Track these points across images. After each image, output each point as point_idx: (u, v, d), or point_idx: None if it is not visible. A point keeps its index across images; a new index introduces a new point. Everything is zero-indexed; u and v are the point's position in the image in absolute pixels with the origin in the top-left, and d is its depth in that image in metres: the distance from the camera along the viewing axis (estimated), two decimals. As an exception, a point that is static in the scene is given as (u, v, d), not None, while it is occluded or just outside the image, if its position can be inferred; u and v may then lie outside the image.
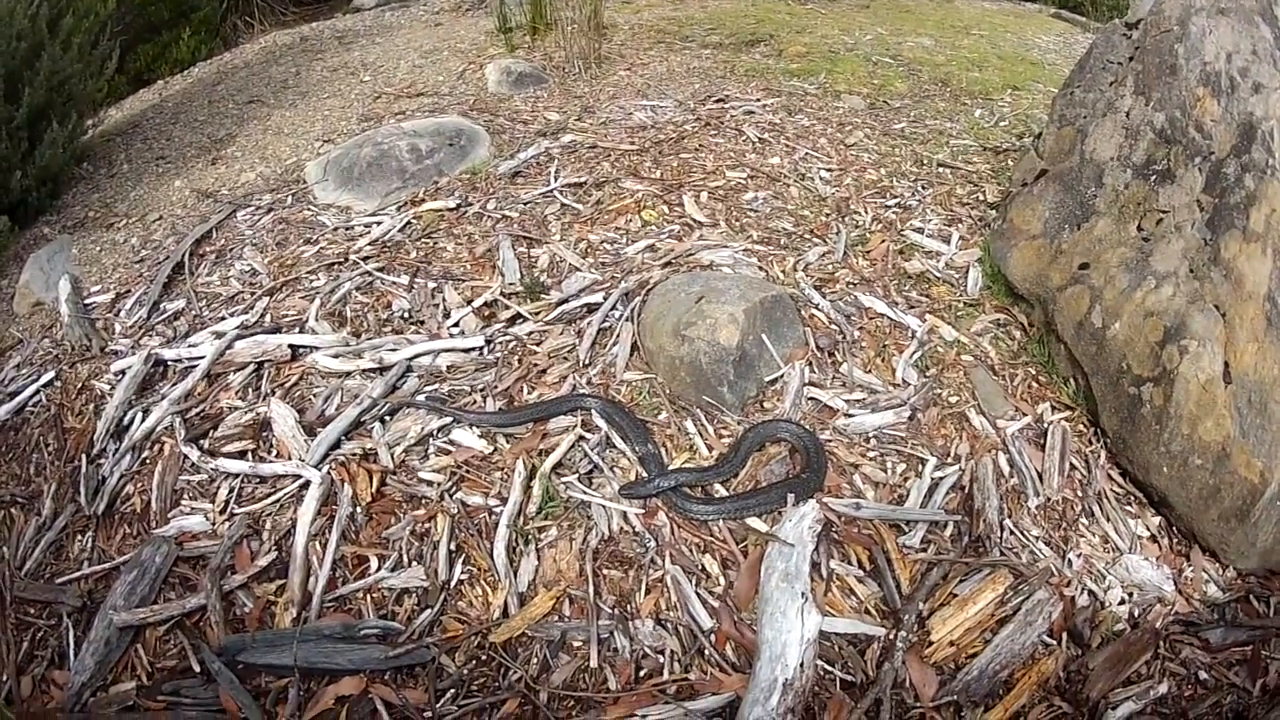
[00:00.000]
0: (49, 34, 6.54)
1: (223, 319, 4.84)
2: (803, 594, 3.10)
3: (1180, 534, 3.68)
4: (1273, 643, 3.32)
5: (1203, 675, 3.24)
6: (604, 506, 3.61)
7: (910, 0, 11.85)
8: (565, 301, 4.66)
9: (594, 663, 3.12)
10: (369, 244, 5.33)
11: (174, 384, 4.42)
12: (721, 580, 3.37)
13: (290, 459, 3.89)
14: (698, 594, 3.31)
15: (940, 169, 6.11)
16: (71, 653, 3.36)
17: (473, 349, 4.41)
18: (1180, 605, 3.43)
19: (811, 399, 4.09)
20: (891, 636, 3.16)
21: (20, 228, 6.24)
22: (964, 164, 6.18)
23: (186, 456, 4.00)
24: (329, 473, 3.77)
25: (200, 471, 3.95)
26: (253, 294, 5.02)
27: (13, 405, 4.55)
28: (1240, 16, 4.17)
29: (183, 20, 10.79)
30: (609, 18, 9.40)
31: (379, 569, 3.47)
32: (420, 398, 4.14)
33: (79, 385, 4.59)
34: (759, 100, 7.21)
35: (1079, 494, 3.80)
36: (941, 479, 3.76)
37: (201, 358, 4.48)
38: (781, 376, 4.16)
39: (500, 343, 4.46)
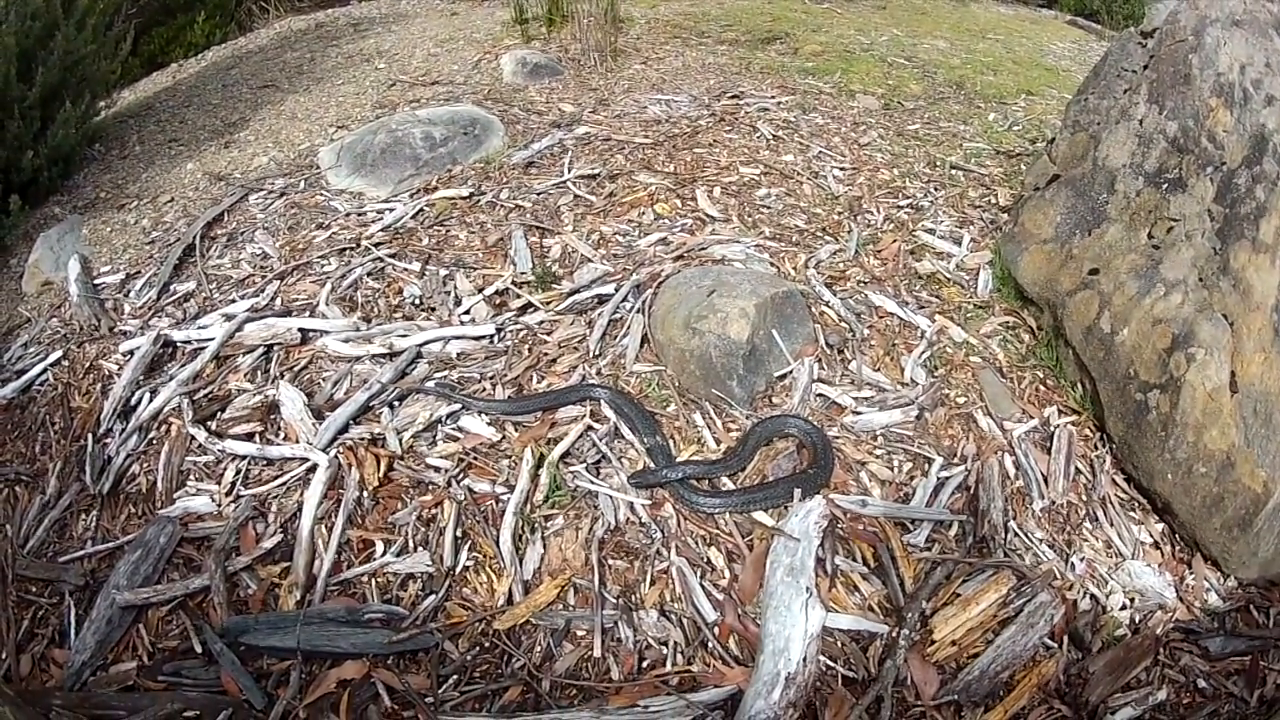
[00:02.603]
0: (64, 14, 6.56)
1: (233, 301, 4.85)
2: (807, 589, 3.11)
3: (1183, 541, 3.68)
4: (1271, 654, 3.31)
5: (1201, 683, 3.24)
6: (611, 497, 3.61)
7: (927, 3, 11.86)
8: (576, 292, 4.67)
9: (597, 652, 3.13)
10: (381, 230, 5.34)
11: (182, 365, 4.43)
12: (726, 573, 3.38)
13: (298, 442, 3.90)
14: (702, 586, 3.31)
15: (953, 171, 6.12)
16: (72, 631, 3.37)
17: (483, 337, 4.42)
18: (1181, 612, 3.43)
19: (820, 395, 4.10)
20: (894, 634, 3.16)
21: (31, 207, 6.24)
22: (977, 167, 6.19)
23: (193, 437, 4.00)
24: (336, 456, 3.78)
25: (207, 453, 3.96)
26: (263, 277, 5.03)
27: (20, 383, 4.56)
28: (1255, 29, 4.17)
29: (198, 3, 10.80)
30: (625, 11, 9.42)
31: (384, 554, 3.47)
32: (429, 384, 4.16)
33: (86, 365, 4.60)
34: (774, 97, 7.22)
35: (1083, 498, 3.80)
36: (947, 479, 3.77)
37: (211, 339, 4.50)
38: (790, 372, 4.17)
39: (511, 331, 4.48)
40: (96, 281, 5.29)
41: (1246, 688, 3.22)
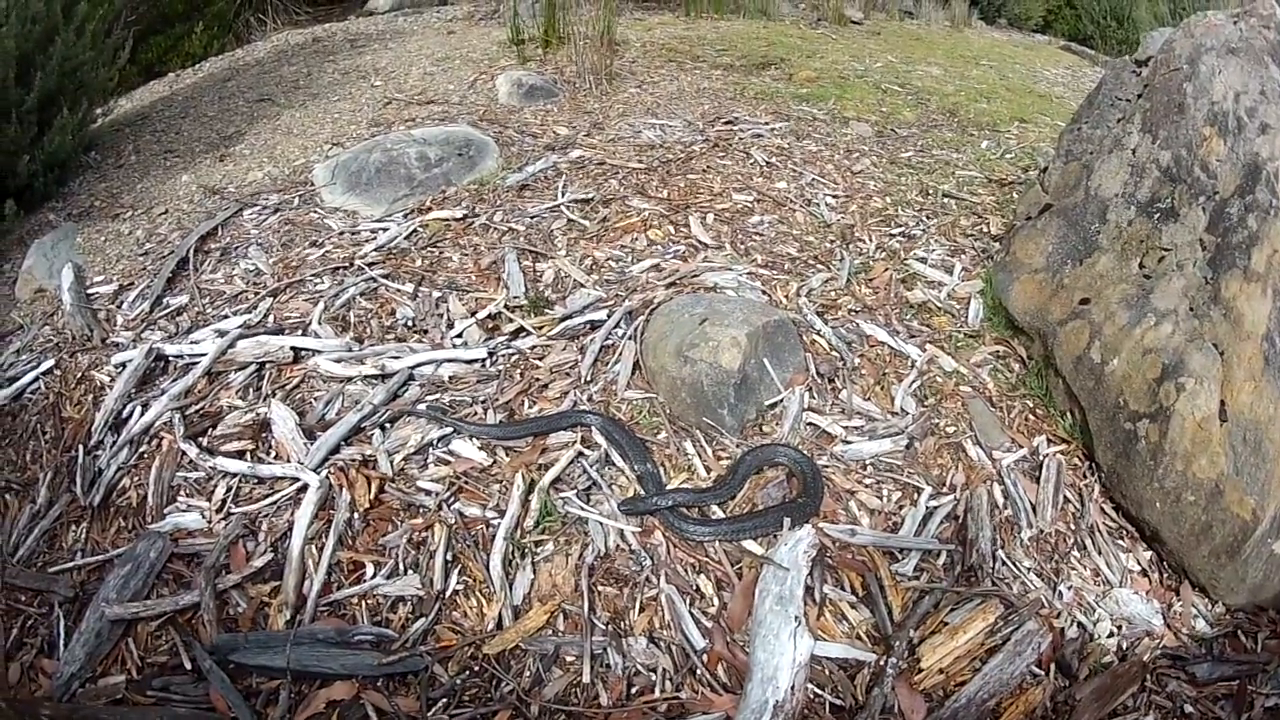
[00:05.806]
0: (64, 19, 6.55)
1: (225, 317, 4.84)
2: (795, 617, 3.11)
3: (1171, 569, 3.69)
4: (1259, 678, 3.32)
5: (1189, 709, 3.24)
6: (601, 523, 3.61)
7: (921, 29, 11.92)
8: (569, 317, 4.67)
9: (586, 678, 3.12)
10: (374, 250, 5.34)
11: (174, 380, 4.42)
12: (715, 601, 3.38)
13: (289, 461, 3.89)
14: (691, 614, 3.32)
15: (945, 199, 6.14)
16: (61, 643, 3.35)
17: (475, 360, 4.42)
18: (1168, 639, 3.44)
19: (810, 424, 4.10)
20: (882, 662, 3.16)
21: (26, 213, 6.25)
22: (969, 195, 6.20)
23: (185, 453, 3.99)
24: (327, 477, 3.77)
25: (198, 469, 3.95)
26: (256, 294, 5.02)
27: (11, 391, 4.55)
28: (1250, 57, 4.18)
29: (196, 14, 10.75)
30: (621, 34, 9.45)
31: (374, 576, 3.47)
32: (421, 407, 4.15)
33: (78, 375, 4.59)
34: (768, 123, 7.25)
35: (1072, 527, 3.81)
36: (936, 508, 3.77)
37: (203, 355, 4.48)
38: (781, 401, 4.18)
39: (503, 355, 4.47)
40: (89, 291, 5.28)
41: (1234, 712, 3.22)
